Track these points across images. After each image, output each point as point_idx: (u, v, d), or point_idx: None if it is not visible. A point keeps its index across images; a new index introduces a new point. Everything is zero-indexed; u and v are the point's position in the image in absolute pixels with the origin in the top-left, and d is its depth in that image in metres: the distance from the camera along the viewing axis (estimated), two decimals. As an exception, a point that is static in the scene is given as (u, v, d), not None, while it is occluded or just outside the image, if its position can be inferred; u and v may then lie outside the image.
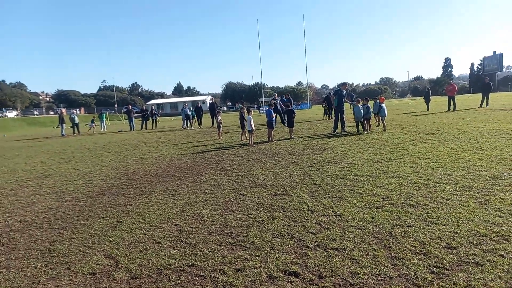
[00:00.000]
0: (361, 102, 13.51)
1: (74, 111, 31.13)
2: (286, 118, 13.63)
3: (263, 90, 61.56)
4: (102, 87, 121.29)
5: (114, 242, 4.41)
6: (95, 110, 75.77)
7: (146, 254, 3.97)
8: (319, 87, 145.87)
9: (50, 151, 15.17)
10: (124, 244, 4.32)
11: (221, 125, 15.66)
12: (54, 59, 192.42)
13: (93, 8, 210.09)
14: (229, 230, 4.48)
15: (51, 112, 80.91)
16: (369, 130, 13.41)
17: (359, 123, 13.32)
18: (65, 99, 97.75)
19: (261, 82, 69.43)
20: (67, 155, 13.31)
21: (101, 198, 6.63)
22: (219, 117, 15.88)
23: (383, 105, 13.75)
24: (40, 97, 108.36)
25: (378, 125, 14.34)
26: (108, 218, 5.42)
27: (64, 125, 25.68)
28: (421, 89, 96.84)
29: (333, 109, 20.44)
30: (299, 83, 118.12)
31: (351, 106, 15.75)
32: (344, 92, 14.74)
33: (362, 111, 13.13)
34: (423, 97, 24.61)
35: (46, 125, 52.01)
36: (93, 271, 3.67)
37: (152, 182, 7.69)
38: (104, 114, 30.58)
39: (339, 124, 14.12)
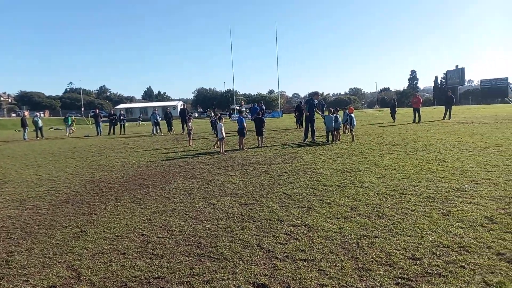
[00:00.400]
0: (332, 113, 13.72)
1: (38, 114, 29.86)
2: (255, 126, 13.57)
3: (235, 97, 61.59)
4: (68, 90, 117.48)
5: (76, 253, 4.23)
6: (61, 113, 73.30)
7: (111, 265, 3.84)
8: (291, 95, 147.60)
9: (11, 156, 14.49)
10: (88, 255, 4.15)
11: (191, 132, 15.49)
12: (17, 58, 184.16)
13: (61, 3, 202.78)
14: (198, 240, 4.41)
15: (13, 115, 77.46)
16: (339, 140, 13.65)
17: (329, 133, 13.53)
18: (29, 101, 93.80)
19: (233, 89, 69.51)
20: (29, 160, 12.75)
21: (64, 207, 6.37)
22: (190, 124, 15.72)
23: (353, 115, 14.06)
24: (1, 98, 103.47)
25: (345, 132, 14.61)
26: (71, 227, 5.21)
27: (27, 128, 24.60)
28: (388, 100, 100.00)
29: (304, 118, 20.79)
30: (271, 91, 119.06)
31: (322, 116, 15.97)
32: (316, 101, 14.84)
33: (333, 121, 13.35)
34: (389, 108, 25.40)
35: (7, 128, 49.65)
36: (53, 284, 3.50)
37: (119, 190, 7.47)
38: (69, 117, 29.53)
39: (309, 133, 14.31)
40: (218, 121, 12.91)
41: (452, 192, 5.80)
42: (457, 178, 6.71)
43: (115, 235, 4.75)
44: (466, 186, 6.10)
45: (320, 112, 17.69)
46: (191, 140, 15.25)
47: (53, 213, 5.97)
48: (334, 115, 13.43)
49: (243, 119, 13.35)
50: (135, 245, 4.36)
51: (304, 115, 15.97)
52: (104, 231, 4.95)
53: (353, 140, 13.22)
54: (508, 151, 9.25)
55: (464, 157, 8.80)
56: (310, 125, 14.33)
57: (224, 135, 12.34)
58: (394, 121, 22.63)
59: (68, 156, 13.40)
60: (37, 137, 24.42)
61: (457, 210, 4.89)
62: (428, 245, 3.83)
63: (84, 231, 4.98)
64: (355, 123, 14.04)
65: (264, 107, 23.77)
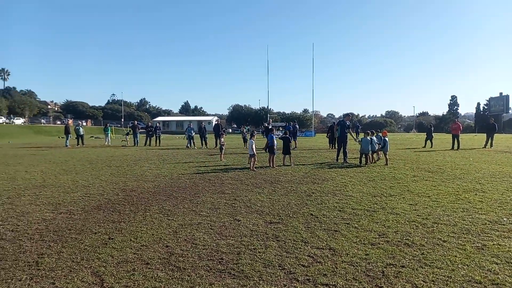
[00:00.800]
0: (370, 135, 13.48)
1: (80, 122, 31.40)
2: (283, 145, 13.51)
3: (269, 115, 61.97)
4: (110, 101, 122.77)
5: (102, 260, 4.35)
6: (102, 123, 76.49)
7: (133, 274, 3.90)
8: (325, 115, 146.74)
9: (52, 161, 15.22)
10: (113, 263, 4.25)
11: (223, 147, 15.68)
12: (65, 69, 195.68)
13: (106, 20, 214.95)
14: (220, 256, 4.41)
15: (58, 122, 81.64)
16: (372, 163, 13.36)
17: (363, 156, 13.27)
18: (73, 110, 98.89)
19: (268, 107, 70.01)
20: (68, 166, 13.34)
21: (96, 213, 6.59)
22: (222, 139, 15.93)
23: (386, 139, 13.72)
24: (49, 106, 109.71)
25: (379, 159, 14.20)
26: (100, 234, 5.37)
27: (69, 135, 25.87)
28: (426, 124, 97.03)
29: (336, 139, 20.65)
30: (305, 110, 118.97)
31: (357, 137, 15.83)
32: (348, 123, 14.63)
33: (369, 144, 13.11)
34: (425, 133, 24.77)
35: (51, 134, 52.43)
36: (77, 289, 3.60)
37: (149, 200, 7.65)
38: (109, 127, 30.77)
39: (342, 154, 14.14)
40: (250, 137, 13.02)
41: (489, 224, 5.50)
42: (495, 210, 6.36)
43: (141, 245, 4.84)
44: (504, 219, 5.76)
45: (354, 134, 17.40)
46: (222, 155, 15.44)
47: (85, 219, 6.18)
48: (371, 137, 13.21)
49: (274, 137, 13.35)
50: (159, 256, 4.43)
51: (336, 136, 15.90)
52: (130, 239, 5.06)
53: (386, 164, 12.88)
54: (554, 185, 8.69)
55: (505, 188, 8.34)
56: (342, 146, 14.26)
57: (255, 152, 12.40)
58: (432, 147, 21.94)
59: (105, 165, 13.90)
60: (78, 144, 25.61)
61: (493, 244, 4.62)
62: (458, 279, 3.63)
63: (112, 239, 5.12)
64: (388, 147, 13.67)
65: (297, 126, 23.77)
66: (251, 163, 12.30)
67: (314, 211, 6.53)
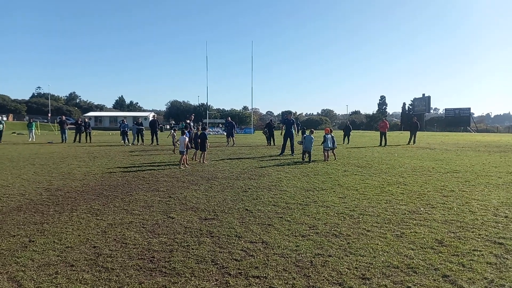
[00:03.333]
0: (314, 133, 13.86)
1: (0, 117, 28.59)
2: (199, 142, 13.33)
3: (208, 111, 61.52)
4: (36, 94, 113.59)
5: (21, 264, 4.02)
6: (26, 118, 70.59)
7: (56, 278, 3.66)
8: (264, 113, 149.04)
9: (-35, 159, 13.74)
10: (33, 266, 3.95)
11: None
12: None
13: (33, 3, 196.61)
14: (151, 254, 4.29)
15: (-26, 117, 73.90)
16: (328, 160, 13.67)
17: (306, 153, 13.43)
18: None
19: (207, 103, 69.48)
20: (-17, 165, 12.13)
21: (16, 215, 6.07)
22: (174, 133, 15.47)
23: (328, 136, 13.83)
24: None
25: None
26: (19, 236, 4.96)
27: (-14, 132, 23.51)
28: (358, 122, 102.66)
29: (273, 137, 21.57)
30: (245, 108, 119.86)
31: (299, 134, 16.60)
32: (292, 120, 16.36)
33: (312, 142, 13.39)
34: (342, 129, 26.98)
35: (-35, 129, 47.29)
36: (-10, 297, 3.30)
37: (76, 199, 7.21)
38: (34, 123, 28.48)
39: (286, 149, 15.83)
40: (181, 134, 12.68)
41: (408, 214, 5.97)
42: (414, 201, 6.92)
43: (65, 246, 4.55)
44: (421, 209, 6.30)
45: (295, 131, 18.21)
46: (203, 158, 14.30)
47: (2, 221, 5.67)
48: (330, 135, 13.77)
49: (185, 138, 12.48)
50: (85, 257, 4.20)
51: (281, 132, 17.50)
52: (54, 241, 4.74)
53: (335, 159, 13.78)
54: (464, 177, 9.67)
55: (423, 181, 9.11)
56: (289, 141, 15.80)
57: (185, 149, 12.21)
58: (348, 143, 23.69)
59: (27, 163, 12.86)
60: (-4, 141, 23.37)
61: (411, 232, 5.02)
62: (379, 265, 3.90)
63: (33, 241, 4.75)
64: (335, 144, 14.24)
65: (233, 122, 23.93)
66: (181, 160, 12.10)
67: (249, 206, 6.61)
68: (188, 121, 20.80)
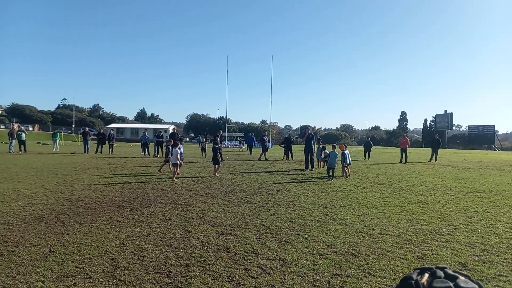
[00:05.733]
0: (337, 149, 13.60)
1: (23, 127, 29.48)
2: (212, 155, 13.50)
3: (227, 125, 62.02)
4: (61, 105, 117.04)
5: (41, 274, 4.09)
6: (51, 128, 72.73)
7: (74, 289, 3.71)
8: (283, 127, 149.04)
9: (-8, 168, 14.21)
10: (52, 277, 4.02)
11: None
12: (10, 70, 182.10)
13: (57, 22, 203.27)
14: (168, 268, 4.30)
15: (2, 126, 76.48)
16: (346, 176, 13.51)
17: (330, 169, 12.96)
18: (20, 114, 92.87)
19: (226, 117, 70.09)
20: (9, 174, 12.50)
21: (37, 224, 6.21)
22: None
23: (346, 152, 13.75)
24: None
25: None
26: (40, 246, 5.06)
27: (13, 141, 24.29)
28: (378, 138, 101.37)
29: (291, 151, 21.65)
30: (263, 121, 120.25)
31: (321, 151, 16.48)
32: (312, 135, 16.55)
33: (336, 158, 13.14)
34: (363, 145, 26.69)
35: (-7, 139, 49.01)
36: (10, 306, 3.36)
37: (96, 210, 7.33)
38: (58, 133, 29.29)
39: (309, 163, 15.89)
40: (174, 146, 12.75)
41: (429, 235, 5.81)
42: (436, 221, 6.73)
43: (84, 258, 4.62)
44: (444, 230, 6.11)
45: (316, 146, 18.24)
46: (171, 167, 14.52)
47: (24, 230, 5.81)
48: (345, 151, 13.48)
49: (177, 151, 12.60)
50: (103, 269, 4.24)
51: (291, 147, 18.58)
52: (73, 252, 4.81)
53: (348, 176, 13.45)
54: (488, 197, 9.36)
55: (446, 200, 8.87)
56: (309, 156, 15.89)
57: (179, 162, 12.36)
58: (369, 159, 23.61)
59: (51, 173, 13.19)
60: (20, 150, 24.08)
61: (432, 253, 4.87)
62: (399, 288, 3.79)
63: (53, 251, 4.84)
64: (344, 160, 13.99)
65: (253, 137, 24.20)
66: (173, 173, 12.27)
67: (266, 222, 6.57)
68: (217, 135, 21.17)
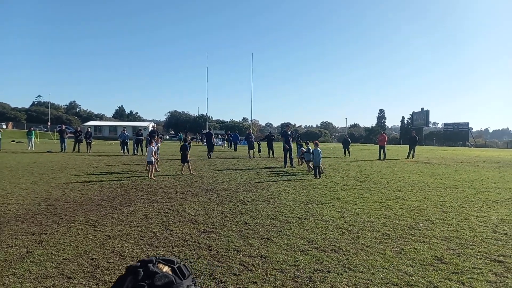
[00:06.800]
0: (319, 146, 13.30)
1: None
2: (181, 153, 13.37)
3: (207, 122, 61.72)
4: (36, 103, 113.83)
5: (18, 275, 3.99)
6: (25, 126, 70.60)
7: (53, 291, 3.64)
8: (264, 124, 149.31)
9: (-37, 167, 13.72)
10: (30, 278, 3.93)
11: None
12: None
13: (32, 17, 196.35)
14: (149, 267, 4.27)
15: (-27, 124, 73.85)
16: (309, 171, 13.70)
17: (317, 168, 12.67)
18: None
19: (207, 114, 69.71)
20: (-18, 173, 12.10)
21: (13, 225, 6.05)
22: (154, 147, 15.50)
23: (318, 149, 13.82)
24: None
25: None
26: (17, 247, 4.93)
27: (-15, 140, 23.51)
28: (357, 136, 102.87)
29: (272, 149, 21.80)
30: (245, 119, 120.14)
31: (300, 147, 16.63)
32: (289, 132, 16.78)
33: (321, 155, 12.84)
34: (341, 143, 27.37)
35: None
36: (-15, 309, 3.27)
37: (75, 210, 7.19)
38: (33, 131, 28.49)
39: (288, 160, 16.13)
40: (148, 144, 12.75)
41: (407, 230, 5.96)
42: (413, 216, 6.91)
43: (63, 258, 4.53)
44: (421, 225, 6.28)
45: (297, 143, 18.48)
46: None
47: (0, 231, 5.64)
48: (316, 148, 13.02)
49: (152, 149, 12.57)
50: (83, 270, 4.17)
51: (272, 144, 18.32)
52: (51, 253, 4.71)
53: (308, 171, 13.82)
54: (463, 192, 9.66)
55: (422, 196, 9.10)
56: (288, 153, 16.02)
57: (154, 160, 12.28)
58: (349, 156, 23.96)
59: (26, 172, 12.84)
60: (-5, 149, 23.34)
61: (410, 248, 5.01)
62: (378, 282, 3.88)
63: (31, 252, 4.73)
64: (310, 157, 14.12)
65: (238, 135, 24.32)
66: (149, 171, 12.08)
67: (248, 219, 6.60)
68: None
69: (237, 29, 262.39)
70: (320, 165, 12.70)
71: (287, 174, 13.57)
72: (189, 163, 13.28)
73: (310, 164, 14.02)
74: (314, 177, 12.52)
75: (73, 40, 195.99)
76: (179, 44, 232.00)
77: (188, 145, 13.49)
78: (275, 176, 12.91)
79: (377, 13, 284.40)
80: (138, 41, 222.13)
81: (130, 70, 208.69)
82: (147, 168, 12.37)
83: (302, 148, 15.87)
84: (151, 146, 12.39)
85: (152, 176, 11.86)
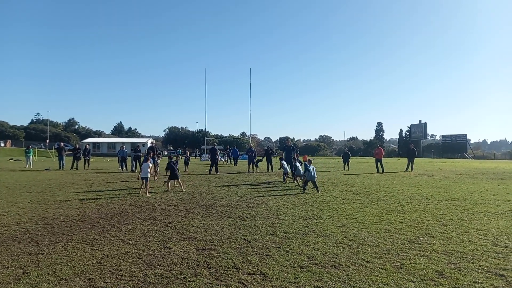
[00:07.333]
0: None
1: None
2: (170, 170, 13.16)
3: (206, 138, 61.77)
4: (34, 120, 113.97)
5: (14, 298, 3.94)
6: (24, 144, 70.59)
7: (49, 313, 3.58)
8: (262, 138, 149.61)
9: (-40, 187, 13.64)
10: (26, 300, 3.87)
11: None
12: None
13: (30, 33, 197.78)
14: (147, 287, 4.21)
15: (-29, 143, 73.78)
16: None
17: (312, 183, 12.62)
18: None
19: (205, 129, 69.80)
20: (-21, 192, 12.03)
21: (10, 245, 5.99)
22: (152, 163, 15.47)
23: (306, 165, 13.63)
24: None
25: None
26: (13, 268, 4.88)
27: (-17, 158, 23.45)
28: (356, 149, 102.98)
29: (271, 164, 21.83)
30: (243, 134, 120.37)
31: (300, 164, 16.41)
32: (292, 146, 17.27)
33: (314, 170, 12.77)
34: (341, 156, 27.48)
35: (-38, 156, 47.08)
36: (-20, 333, 3.21)
37: (72, 228, 7.13)
38: (32, 149, 28.45)
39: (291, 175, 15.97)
40: (144, 160, 12.86)
41: (407, 244, 5.91)
42: (413, 230, 6.87)
43: (60, 279, 4.47)
44: (421, 238, 6.24)
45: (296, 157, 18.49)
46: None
47: (-4, 252, 5.59)
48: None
49: (148, 164, 12.60)
50: (79, 290, 4.12)
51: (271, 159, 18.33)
52: (48, 273, 4.65)
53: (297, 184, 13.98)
54: (463, 205, 9.63)
55: (422, 209, 9.06)
56: (289, 167, 16.11)
57: (148, 176, 12.31)
58: (349, 170, 24.09)
59: (24, 190, 12.77)
60: (-7, 168, 23.26)
61: (410, 263, 4.96)
62: (379, 298, 3.83)
63: (27, 273, 4.67)
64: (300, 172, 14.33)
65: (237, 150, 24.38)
66: (145, 187, 12.12)
67: (247, 235, 6.55)
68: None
69: (236, 45, 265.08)
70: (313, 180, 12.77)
71: (286, 189, 13.52)
72: (180, 180, 13.18)
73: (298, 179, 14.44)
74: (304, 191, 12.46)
75: (72, 57, 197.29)
76: (177, 59, 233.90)
77: (175, 162, 13.24)
78: (274, 191, 12.86)
79: (377, 28, 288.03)
80: (137, 58, 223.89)
81: (129, 87, 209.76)
82: (142, 185, 12.30)
83: (297, 163, 15.59)
84: (148, 162, 12.39)
85: (147, 193, 11.85)
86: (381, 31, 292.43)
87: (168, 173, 13.38)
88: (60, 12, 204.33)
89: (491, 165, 31.58)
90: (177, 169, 13.08)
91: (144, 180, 12.13)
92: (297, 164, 14.92)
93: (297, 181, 14.85)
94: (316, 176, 12.67)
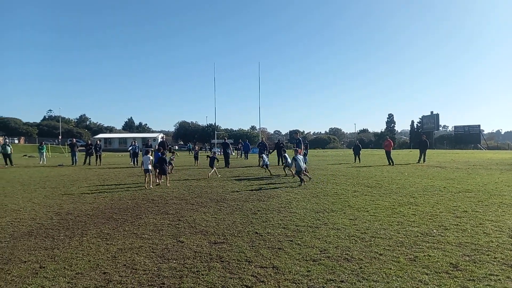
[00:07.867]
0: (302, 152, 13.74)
1: (7, 140, 29.04)
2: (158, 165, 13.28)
3: (216, 132, 61.89)
4: (47, 117, 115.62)
5: (32, 291, 4.02)
6: (37, 140, 71.65)
7: (66, 306, 3.65)
8: (272, 132, 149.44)
9: (-23, 183, 13.92)
10: (43, 294, 3.95)
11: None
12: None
13: (43, 33, 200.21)
14: (161, 280, 4.26)
15: (-14, 140, 75.01)
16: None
17: (300, 173, 12.82)
18: (4, 127, 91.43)
19: (215, 124, 69.87)
20: (-5, 189, 12.27)
21: (27, 240, 6.11)
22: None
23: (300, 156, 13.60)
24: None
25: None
26: (30, 262, 4.98)
27: (-1, 155, 23.88)
28: (366, 141, 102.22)
29: (281, 157, 21.83)
30: (253, 127, 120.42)
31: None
32: (301, 139, 17.25)
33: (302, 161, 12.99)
34: (352, 149, 27.10)
35: (-22, 153, 48.03)
36: (0, 326, 3.29)
37: (87, 223, 7.24)
38: (45, 145, 28.87)
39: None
40: (144, 153, 13.22)
41: (420, 237, 5.87)
42: (426, 222, 6.81)
43: (76, 273, 4.55)
44: (434, 231, 6.19)
45: (304, 149, 18.61)
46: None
47: (13, 247, 5.70)
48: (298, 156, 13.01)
49: (148, 158, 13.01)
50: (95, 284, 4.18)
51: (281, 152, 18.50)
52: (64, 267, 4.74)
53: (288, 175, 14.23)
54: (477, 197, 9.50)
55: (435, 201, 8.97)
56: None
57: (150, 168, 12.63)
58: (360, 162, 23.83)
59: (39, 186, 12.99)
60: (6, 164, 23.66)
61: (424, 255, 4.92)
62: (393, 291, 3.82)
63: (44, 267, 4.76)
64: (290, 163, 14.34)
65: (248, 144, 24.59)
66: (146, 180, 12.47)
67: (259, 229, 6.56)
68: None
69: (244, 38, 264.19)
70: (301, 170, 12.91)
71: (297, 182, 13.49)
72: (167, 176, 13.31)
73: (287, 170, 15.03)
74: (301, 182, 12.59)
75: (82, 52, 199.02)
76: (186, 54, 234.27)
77: (164, 158, 13.55)
78: (285, 184, 12.85)
79: (384, 15, 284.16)
80: (146, 53, 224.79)
81: (139, 82, 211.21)
82: (146, 178, 12.51)
83: (286, 155, 15.93)
84: (148, 155, 12.77)
85: (151, 185, 12.31)
86: (396, 26, 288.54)
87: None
88: (73, 19, 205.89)
89: (505, 156, 31.10)
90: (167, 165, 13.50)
91: (145, 172, 12.49)
92: (286, 155, 15.70)
93: (285, 171, 15.71)
94: (305, 166, 12.91)
